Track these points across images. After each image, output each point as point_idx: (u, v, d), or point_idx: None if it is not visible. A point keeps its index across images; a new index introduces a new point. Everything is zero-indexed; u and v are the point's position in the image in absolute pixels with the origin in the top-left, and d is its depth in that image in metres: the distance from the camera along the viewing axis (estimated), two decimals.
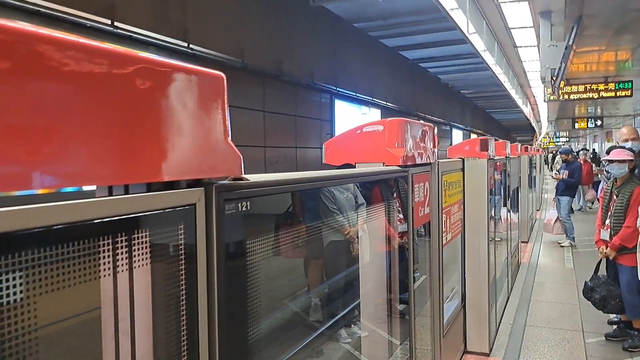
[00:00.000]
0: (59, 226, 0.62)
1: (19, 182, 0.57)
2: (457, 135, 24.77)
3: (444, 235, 3.52)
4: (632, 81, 11.84)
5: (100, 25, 5.60)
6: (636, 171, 4.86)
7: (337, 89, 11.41)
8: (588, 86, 12.09)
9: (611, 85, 12.08)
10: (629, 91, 11.92)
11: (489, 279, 4.62)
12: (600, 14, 7.17)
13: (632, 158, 4.69)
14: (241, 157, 0.92)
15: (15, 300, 0.58)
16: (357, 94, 12.49)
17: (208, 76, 0.85)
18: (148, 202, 0.73)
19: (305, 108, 10.32)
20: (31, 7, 4.84)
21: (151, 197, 0.74)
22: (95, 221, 0.67)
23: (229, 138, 0.90)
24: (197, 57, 7.13)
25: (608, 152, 5.18)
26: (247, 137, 8.43)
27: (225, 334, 0.86)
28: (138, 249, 0.73)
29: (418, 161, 2.33)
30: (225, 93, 0.89)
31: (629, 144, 5.08)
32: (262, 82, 8.81)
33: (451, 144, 19.14)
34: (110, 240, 0.69)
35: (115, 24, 5.78)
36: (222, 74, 0.88)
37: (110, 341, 0.71)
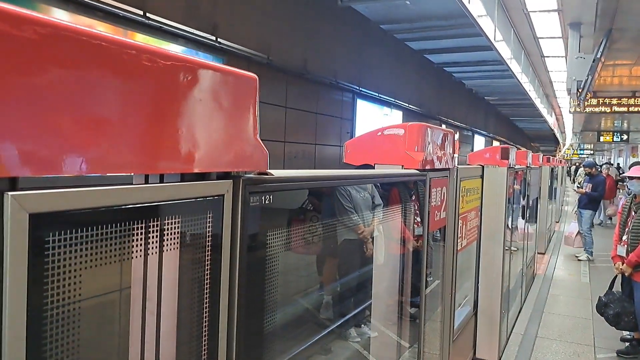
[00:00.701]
0: (101, 208, 0.68)
1: (71, 166, 0.63)
2: (480, 142, 24.54)
3: (459, 240, 3.54)
4: None
5: (132, 16, 5.72)
6: None
7: (360, 88, 11.42)
8: (616, 100, 11.88)
9: (639, 100, 11.84)
10: None
11: (502, 288, 4.61)
12: (631, 28, 7.06)
13: None
14: (267, 153, 0.97)
15: (64, 272, 0.64)
16: (380, 95, 12.48)
17: (242, 77, 0.90)
18: (180, 191, 0.79)
19: (326, 106, 10.36)
20: None
21: (183, 187, 0.80)
22: (131, 206, 0.73)
23: (258, 135, 0.96)
24: (224, 51, 7.23)
25: (630, 168, 5.12)
26: (268, 132, 8.51)
27: (244, 319, 0.91)
28: (169, 234, 0.79)
29: (437, 166, 2.35)
30: (257, 93, 0.94)
31: None
32: (286, 79, 8.88)
33: (472, 150, 18.97)
34: (143, 225, 0.75)
35: (147, 14, 5.89)
36: (255, 76, 0.93)
37: (137, 317, 0.77)
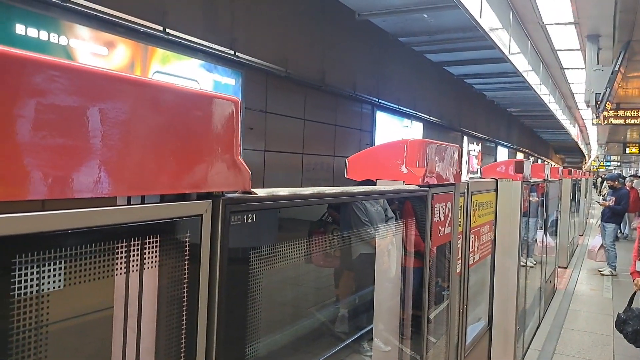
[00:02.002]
0: (84, 229, 0.73)
1: (55, 190, 0.69)
2: (503, 153, 24.25)
3: (470, 255, 3.52)
4: None
5: (152, 31, 5.88)
6: None
7: (379, 100, 11.46)
8: (635, 111, 11.65)
9: None
10: None
11: (518, 303, 4.55)
12: None
13: None
14: (249, 172, 1.02)
15: (43, 293, 0.69)
16: (400, 107, 12.48)
17: (223, 100, 0.95)
18: (159, 211, 0.84)
19: (345, 118, 10.42)
20: (90, 11, 5.16)
21: (162, 207, 0.84)
22: (113, 226, 0.78)
23: (240, 156, 1.00)
24: (243, 64, 7.36)
25: None
26: (286, 144, 8.60)
27: (223, 344, 0.96)
28: (148, 253, 0.84)
29: (440, 181, 2.36)
30: (239, 115, 0.99)
31: None
32: (304, 91, 8.98)
33: (495, 161, 18.77)
34: (124, 244, 0.80)
35: (167, 30, 6.06)
36: (237, 99, 0.98)
37: (119, 335, 0.82)
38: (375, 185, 2.12)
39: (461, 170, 2.83)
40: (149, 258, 0.84)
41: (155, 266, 0.85)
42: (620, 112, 11.68)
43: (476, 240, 3.71)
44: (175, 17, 6.25)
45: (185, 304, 0.90)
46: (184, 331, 0.90)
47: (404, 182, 2.06)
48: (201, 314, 0.92)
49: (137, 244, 0.82)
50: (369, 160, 2.26)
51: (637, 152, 22.18)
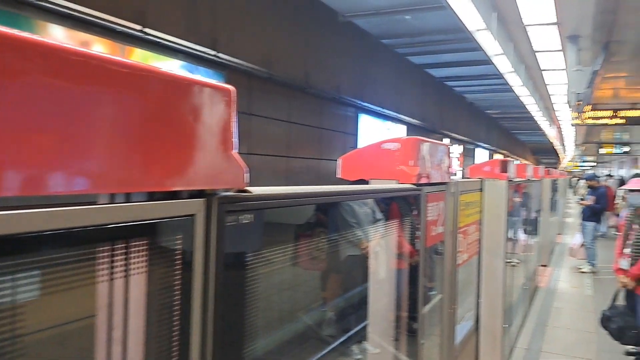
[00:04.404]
0: (62, 230, 0.64)
1: (28, 186, 0.60)
2: (482, 155, 24.50)
3: (459, 255, 3.48)
4: None
5: (130, 31, 5.74)
6: None
7: (363, 103, 11.43)
8: (614, 112, 11.86)
9: (638, 112, 11.81)
10: None
11: (504, 302, 4.54)
12: (629, 41, 7.07)
13: None
14: (245, 169, 0.94)
15: (19, 300, 0.60)
16: (383, 109, 12.48)
17: (216, 89, 0.87)
18: (146, 211, 0.75)
19: (330, 121, 10.36)
20: (64, 10, 5.00)
21: (149, 206, 0.76)
22: (94, 227, 0.69)
23: (235, 150, 0.92)
24: (225, 65, 7.24)
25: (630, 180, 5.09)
26: (271, 147, 8.50)
27: (220, 349, 0.87)
28: (135, 257, 0.75)
29: (433, 180, 2.32)
30: (234, 106, 0.91)
31: None
32: (288, 94, 8.89)
33: (474, 163, 18.94)
34: (107, 247, 0.71)
35: (145, 30, 5.91)
36: (232, 88, 0.90)
37: (103, 346, 0.73)
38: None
39: (451, 170, 2.79)
40: (135, 263, 0.75)
41: (142, 272, 0.77)
42: (598, 113, 11.88)
43: (464, 239, 3.68)
44: (154, 17, 6.11)
45: (176, 313, 0.82)
46: (175, 343, 0.81)
47: (397, 181, 2.00)
48: (194, 323, 0.83)
49: (122, 248, 0.74)
50: (362, 159, 2.20)
51: (611, 152, 22.68)
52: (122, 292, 0.76)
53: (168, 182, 0.79)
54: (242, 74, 7.64)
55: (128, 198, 0.75)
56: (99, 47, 5.52)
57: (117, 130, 0.72)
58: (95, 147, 0.69)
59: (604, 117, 11.89)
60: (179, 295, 0.82)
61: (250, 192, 0.95)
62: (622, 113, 11.83)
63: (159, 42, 6.14)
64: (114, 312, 0.76)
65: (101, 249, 0.72)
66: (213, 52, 6.98)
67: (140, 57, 6.01)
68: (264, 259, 1.04)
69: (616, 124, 12.06)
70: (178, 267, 0.82)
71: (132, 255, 0.76)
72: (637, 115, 11.81)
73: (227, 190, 0.91)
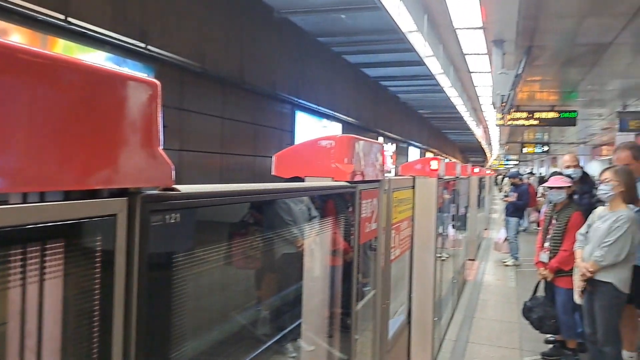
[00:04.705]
0: None
1: None
2: (414, 153, 25.27)
3: (392, 250, 3.56)
4: (576, 111, 12.50)
5: (52, 20, 5.40)
6: (575, 197, 5.10)
7: (299, 100, 11.44)
8: (536, 114, 12.66)
9: (557, 114, 12.70)
10: (573, 120, 12.56)
11: (435, 296, 4.71)
12: (549, 46, 7.56)
13: (569, 185, 4.92)
14: (172, 166, 0.90)
15: None
16: (319, 107, 12.55)
17: (140, 83, 0.83)
18: (62, 211, 0.70)
19: (265, 117, 10.27)
20: None
21: (66, 206, 0.71)
22: (5, 229, 0.63)
23: (160, 147, 0.88)
24: (155, 59, 6.98)
25: (549, 178, 5.43)
26: (204, 144, 8.30)
27: (144, 355, 0.83)
28: (51, 261, 0.70)
29: (367, 178, 2.35)
30: (159, 101, 0.87)
31: (570, 171, 5.33)
32: (222, 89, 8.72)
33: (407, 161, 19.47)
34: (19, 250, 0.66)
35: (69, 19, 5.59)
36: (157, 81, 0.86)
37: (14, 356, 0.67)
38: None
39: (384, 167, 2.85)
40: (51, 267, 0.70)
41: (59, 277, 0.71)
42: (520, 114, 12.61)
43: (397, 235, 3.77)
44: (79, 6, 5.77)
45: (96, 319, 0.77)
46: (95, 351, 0.76)
47: (332, 178, 2.01)
48: (116, 329, 0.79)
49: (36, 251, 0.68)
50: (297, 157, 2.19)
51: (533, 151, 24.17)
52: (36, 299, 0.70)
53: (87, 180, 0.74)
54: (174, 68, 7.40)
55: (42, 197, 0.69)
56: (18, 36, 5.14)
57: (30, 125, 0.66)
58: (6, 142, 0.63)
59: (520, 119, 12.66)
60: (99, 301, 0.77)
61: (178, 191, 0.91)
62: (537, 115, 12.65)
63: (83, 32, 5.82)
64: (26, 320, 0.70)
65: (13, 252, 0.66)
66: (142, 45, 6.71)
67: (63, 48, 5.67)
68: (193, 260, 1.01)
69: (530, 125, 12.87)
70: (98, 270, 0.76)
71: (47, 259, 0.70)
72: (549, 117, 12.67)
73: (152, 188, 0.87)
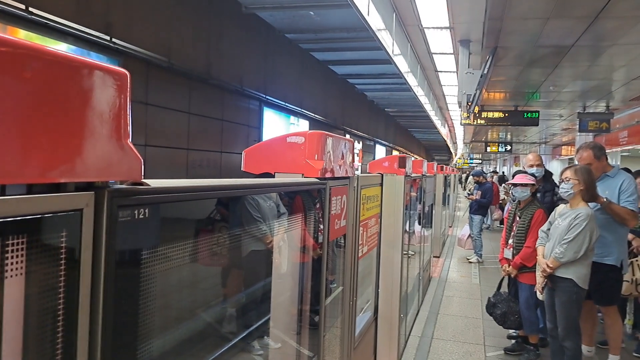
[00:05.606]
0: None
1: None
2: (381, 151, 25.51)
3: (360, 247, 3.58)
4: (538, 111, 12.87)
5: (12, 10, 5.18)
6: (538, 195, 5.24)
7: (267, 96, 11.36)
8: (499, 113, 12.98)
9: (520, 114, 13.05)
10: (536, 120, 12.93)
11: (401, 292, 4.76)
12: (514, 47, 7.75)
13: (533, 183, 5.06)
14: (141, 160, 0.87)
15: None
16: (287, 104, 12.50)
17: (109, 72, 0.80)
18: (24, 205, 0.66)
19: (232, 113, 10.16)
20: None
21: (28, 200, 0.67)
22: None
23: (129, 140, 0.85)
24: (120, 52, 6.80)
25: (514, 176, 5.56)
26: (169, 139, 8.15)
27: (110, 353, 0.80)
28: (12, 257, 0.66)
29: (337, 174, 2.35)
30: (128, 92, 0.84)
31: (533, 170, 5.48)
32: (189, 84, 8.57)
33: (374, 159, 19.63)
34: None
35: (30, 9, 5.38)
36: (126, 72, 0.83)
37: None
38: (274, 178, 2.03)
39: (354, 164, 2.85)
40: (12, 264, 0.66)
41: (20, 274, 0.68)
42: (485, 114, 12.89)
43: (365, 232, 3.79)
44: None
45: (60, 317, 0.73)
46: (59, 350, 0.73)
47: (302, 174, 2.00)
48: (82, 327, 0.76)
49: None
50: (267, 152, 2.17)
51: (497, 150, 24.79)
52: None
53: (51, 173, 0.71)
54: (139, 62, 7.23)
55: (3, 191, 0.66)
56: None
57: None
58: None
59: (489, 118, 12.96)
60: (64, 298, 0.74)
61: (147, 185, 0.88)
62: (501, 114, 12.98)
63: (45, 23, 5.61)
64: None
65: None
66: (107, 37, 6.53)
67: (24, 38, 5.45)
68: (161, 256, 0.98)
69: (494, 125, 13.19)
70: (63, 267, 0.73)
71: (8, 255, 0.67)
72: (513, 117, 13.02)
73: (120, 182, 0.84)
